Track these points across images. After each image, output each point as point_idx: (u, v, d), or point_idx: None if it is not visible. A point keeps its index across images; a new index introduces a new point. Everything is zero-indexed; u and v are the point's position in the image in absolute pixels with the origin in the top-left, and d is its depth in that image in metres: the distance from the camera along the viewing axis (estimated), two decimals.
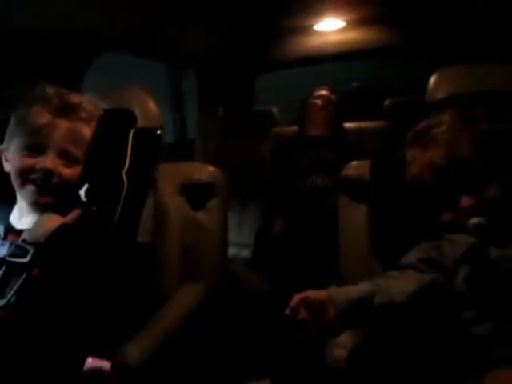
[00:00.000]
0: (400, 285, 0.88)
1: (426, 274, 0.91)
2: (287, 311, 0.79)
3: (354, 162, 1.26)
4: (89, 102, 1.11)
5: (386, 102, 2.59)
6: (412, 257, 0.95)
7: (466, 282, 0.87)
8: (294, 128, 2.43)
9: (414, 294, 0.87)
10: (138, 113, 1.27)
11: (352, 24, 2.42)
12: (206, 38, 2.31)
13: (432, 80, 1.20)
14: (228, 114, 2.84)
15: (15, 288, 0.99)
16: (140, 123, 1.24)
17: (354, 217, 1.21)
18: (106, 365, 0.97)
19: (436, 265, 0.92)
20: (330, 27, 2.48)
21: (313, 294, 0.81)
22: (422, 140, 0.96)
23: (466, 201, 0.89)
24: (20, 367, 0.90)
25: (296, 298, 0.79)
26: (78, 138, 1.06)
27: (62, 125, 1.04)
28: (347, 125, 2.39)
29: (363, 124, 2.44)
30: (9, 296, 0.98)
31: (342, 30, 2.50)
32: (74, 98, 1.07)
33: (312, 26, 2.45)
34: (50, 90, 1.06)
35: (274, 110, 2.75)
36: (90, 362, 0.97)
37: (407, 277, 0.91)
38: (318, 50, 2.72)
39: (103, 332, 0.98)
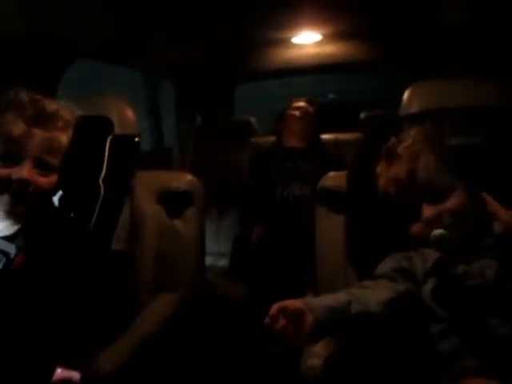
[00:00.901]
0: (374, 294, 0.90)
1: (399, 284, 0.93)
2: (266, 320, 0.79)
3: (331, 173, 1.28)
4: (65, 110, 1.08)
5: (362, 115, 2.64)
6: (385, 266, 0.97)
7: (432, 296, 0.90)
8: (272, 138, 2.45)
9: (388, 303, 0.89)
10: (114, 120, 1.26)
11: (329, 37, 2.47)
12: (185, 47, 2.32)
13: (405, 95, 1.24)
14: (206, 122, 2.85)
15: None
16: (117, 130, 1.23)
17: (330, 227, 1.23)
18: (75, 375, 0.95)
19: (408, 275, 0.95)
20: (308, 40, 2.52)
21: (291, 303, 0.82)
22: (389, 155, 0.99)
23: (427, 211, 0.91)
24: None
25: (275, 307, 0.80)
26: (55, 146, 1.03)
27: (38, 134, 1.01)
28: (324, 136, 2.42)
29: (340, 136, 2.48)
30: None
31: (319, 43, 2.54)
32: (50, 105, 1.04)
33: (290, 38, 2.49)
34: (24, 97, 1.02)
35: (253, 119, 2.77)
36: (60, 372, 0.95)
37: (380, 286, 0.93)
38: (295, 62, 2.76)
39: (75, 341, 0.96)
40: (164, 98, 3.60)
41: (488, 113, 1.11)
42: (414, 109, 1.19)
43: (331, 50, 2.61)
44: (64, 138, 1.06)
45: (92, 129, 1.15)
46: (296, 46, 2.58)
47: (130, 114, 1.41)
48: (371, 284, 0.94)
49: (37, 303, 0.94)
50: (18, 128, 1.00)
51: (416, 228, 0.94)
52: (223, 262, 2.33)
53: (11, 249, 1.02)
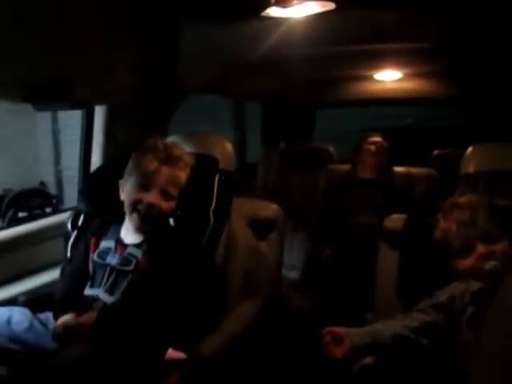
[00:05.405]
0: (404, 323, 1.17)
1: (429, 315, 1.18)
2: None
3: (394, 216, 1.51)
4: (186, 154, 1.42)
5: (434, 153, 2.78)
6: (424, 303, 1.21)
7: (467, 323, 1.10)
8: (347, 166, 2.66)
9: (414, 330, 1.16)
10: (217, 155, 1.57)
11: (408, 76, 2.66)
12: (274, 78, 2.60)
13: (466, 155, 1.43)
14: (289, 147, 3.14)
15: (122, 289, 1.31)
16: (220, 165, 1.55)
17: (389, 262, 1.46)
18: (181, 356, 1.27)
19: (443, 309, 1.18)
20: (389, 77, 2.73)
21: (335, 328, 1.16)
22: (450, 205, 1.20)
23: (481, 248, 1.11)
24: (116, 351, 1.19)
25: (326, 329, 1.15)
26: (176, 181, 1.37)
27: (165, 171, 1.35)
28: (397, 169, 2.59)
29: (412, 170, 2.64)
30: (117, 295, 1.31)
31: (399, 81, 2.74)
32: (176, 150, 1.39)
33: (372, 75, 2.72)
34: (159, 143, 1.38)
35: (331, 148, 3.01)
36: (170, 352, 1.27)
37: (412, 318, 1.19)
38: (376, 95, 2.96)
39: (181, 330, 1.28)
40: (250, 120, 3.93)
41: None
42: (471, 169, 1.39)
43: (409, 86, 2.80)
44: (183, 174, 1.39)
45: (204, 169, 1.48)
46: (378, 81, 2.80)
47: (229, 151, 1.70)
48: (403, 317, 1.21)
49: (156, 294, 1.27)
50: (152, 165, 1.35)
51: (469, 262, 1.14)
52: (294, 274, 2.59)
53: (139, 253, 1.36)
